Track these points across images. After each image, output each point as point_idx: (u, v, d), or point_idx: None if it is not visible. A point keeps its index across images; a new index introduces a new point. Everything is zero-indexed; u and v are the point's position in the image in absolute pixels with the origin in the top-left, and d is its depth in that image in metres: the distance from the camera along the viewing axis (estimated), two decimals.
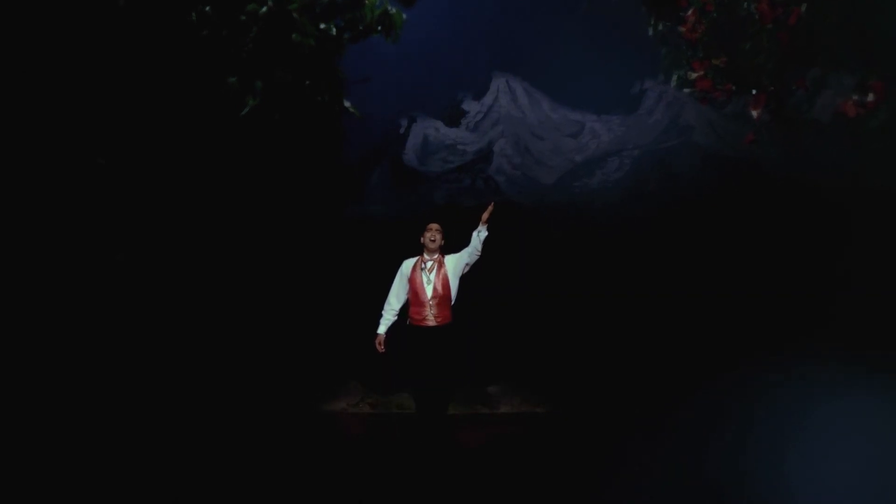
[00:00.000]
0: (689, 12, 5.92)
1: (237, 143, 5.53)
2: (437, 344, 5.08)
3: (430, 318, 5.13)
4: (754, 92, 5.83)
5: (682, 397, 6.24)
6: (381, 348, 5.26)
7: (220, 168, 5.92)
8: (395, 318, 5.33)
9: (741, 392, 6.00)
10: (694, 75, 5.69)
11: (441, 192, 9.19)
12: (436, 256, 5.22)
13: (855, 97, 5.35)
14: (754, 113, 5.97)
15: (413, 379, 5.10)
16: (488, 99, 10.10)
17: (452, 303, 5.20)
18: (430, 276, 5.13)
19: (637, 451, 5.24)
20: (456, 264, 5.18)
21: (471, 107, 10.15)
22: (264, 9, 4.94)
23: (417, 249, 5.37)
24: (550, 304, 7.83)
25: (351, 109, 5.33)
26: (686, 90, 5.85)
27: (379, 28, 5.42)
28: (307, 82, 5.10)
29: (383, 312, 5.33)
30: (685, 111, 9.78)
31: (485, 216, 4.87)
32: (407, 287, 5.24)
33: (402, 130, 9.94)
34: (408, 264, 5.32)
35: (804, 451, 4.77)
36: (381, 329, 5.31)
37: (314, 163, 6.76)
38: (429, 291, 5.13)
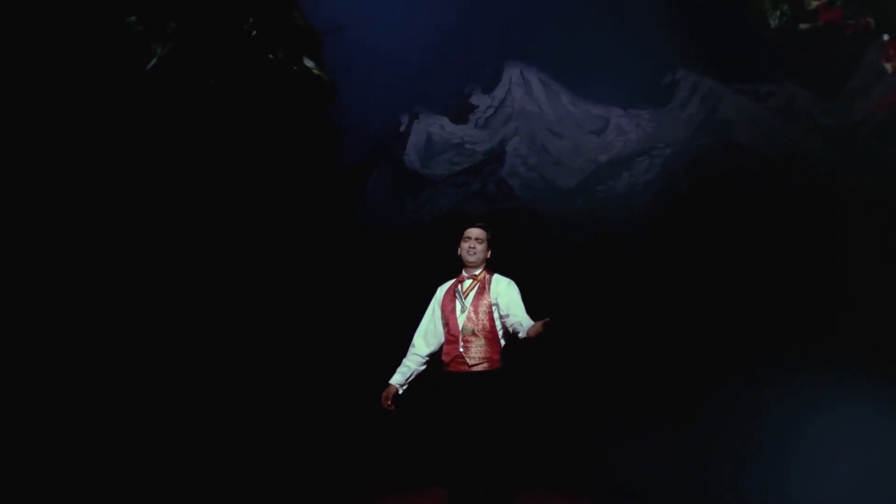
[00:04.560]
0: None
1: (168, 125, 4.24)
2: (474, 398, 3.87)
3: (465, 359, 3.92)
4: (886, 37, 4.56)
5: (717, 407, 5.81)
6: (387, 404, 4.01)
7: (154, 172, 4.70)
8: (422, 367, 4.07)
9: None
10: (815, 3, 4.45)
11: (447, 198, 8.49)
12: (477, 273, 3.98)
13: None
14: (888, 66, 4.73)
15: (443, 452, 3.90)
16: (500, 92, 9.31)
17: (502, 343, 4.00)
18: (466, 302, 3.89)
19: (641, 454, 5.19)
20: (507, 294, 3.97)
21: (480, 101, 9.34)
22: None
23: (421, 268, 4.53)
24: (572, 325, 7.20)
25: (315, 71, 4.13)
26: (802, 26, 4.59)
27: None
28: (253, 32, 3.85)
29: (405, 358, 4.13)
30: (722, 104, 9.00)
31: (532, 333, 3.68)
32: (440, 320, 4.06)
33: (402, 128, 9.13)
34: (442, 290, 4.12)
35: (812, 458, 4.64)
36: (395, 378, 3.99)
37: (291, 160, 5.62)
38: (461, 321, 3.90)
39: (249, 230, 5.65)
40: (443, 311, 3.92)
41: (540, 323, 3.62)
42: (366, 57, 7.96)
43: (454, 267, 4.12)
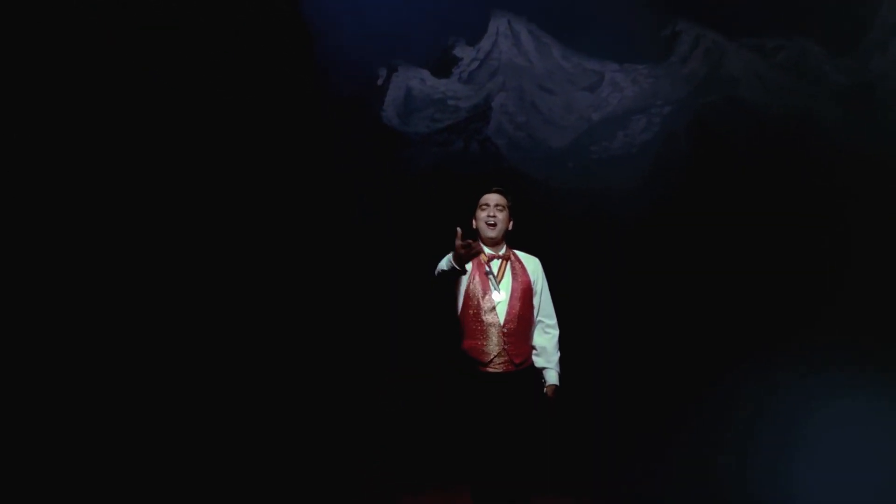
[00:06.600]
0: None
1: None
2: (513, 403, 3.26)
3: (501, 358, 3.23)
4: None
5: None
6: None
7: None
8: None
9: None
10: None
11: (428, 158, 7.98)
12: (503, 252, 3.39)
13: None
14: None
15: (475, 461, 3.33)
16: (485, 44, 8.71)
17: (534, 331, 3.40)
18: (503, 288, 3.27)
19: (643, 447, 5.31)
20: (543, 289, 3.44)
21: (464, 53, 8.71)
22: None
23: (405, 236, 4.16)
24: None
25: None
26: None
27: None
28: None
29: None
30: (727, 59, 8.50)
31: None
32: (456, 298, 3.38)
33: (379, 82, 8.52)
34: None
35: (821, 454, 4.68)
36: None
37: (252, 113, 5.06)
38: (502, 312, 3.26)
39: (213, 206, 5.33)
40: (468, 297, 3.27)
41: (550, 389, 3.34)
42: (344, 7, 7.42)
43: (442, 238, 3.56)
